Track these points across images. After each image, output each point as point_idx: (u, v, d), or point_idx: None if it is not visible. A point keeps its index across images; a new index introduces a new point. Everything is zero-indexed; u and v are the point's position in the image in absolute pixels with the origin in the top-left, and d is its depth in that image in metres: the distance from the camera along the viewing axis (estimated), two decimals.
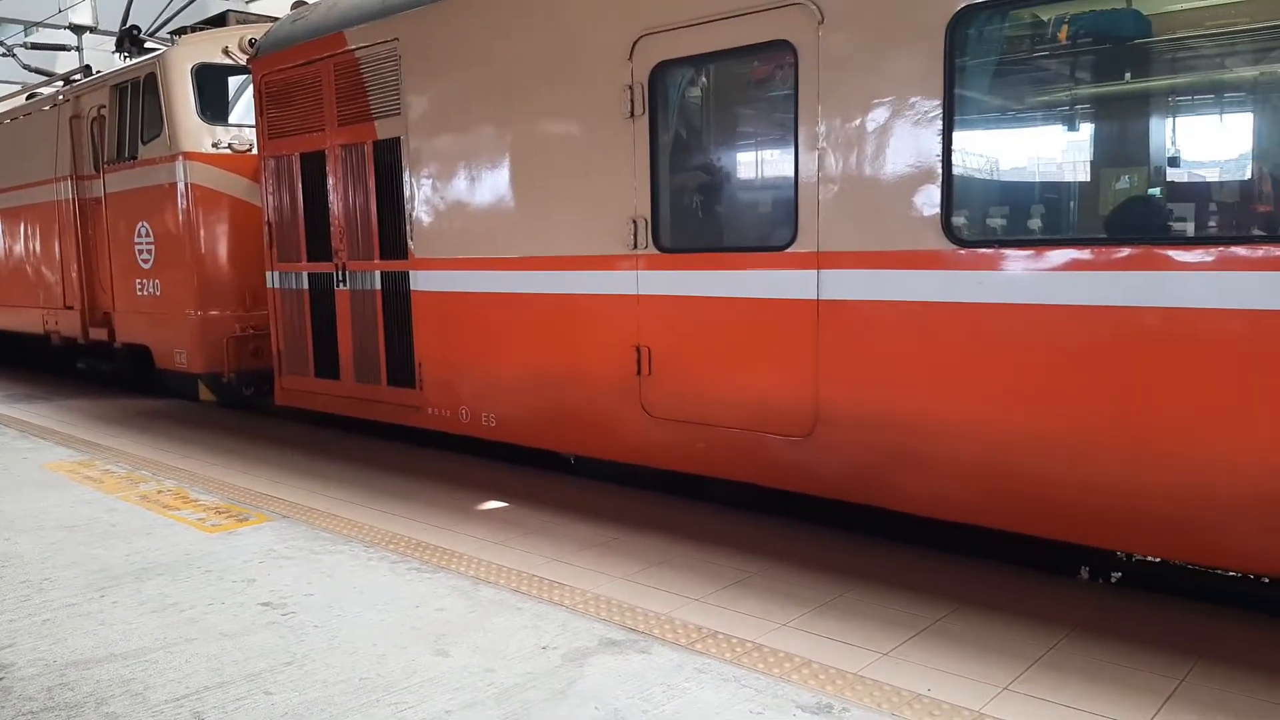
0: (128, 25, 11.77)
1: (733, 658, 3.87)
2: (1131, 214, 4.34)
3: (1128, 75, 4.61)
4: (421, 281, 7.16)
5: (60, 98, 11.77)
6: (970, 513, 4.57)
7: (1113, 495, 4.10)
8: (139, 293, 10.45)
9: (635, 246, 5.72)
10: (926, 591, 4.55)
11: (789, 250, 5.03)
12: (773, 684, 3.62)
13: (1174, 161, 4.42)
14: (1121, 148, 4.64)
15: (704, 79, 5.70)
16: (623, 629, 4.17)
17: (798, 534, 5.45)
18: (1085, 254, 4.09)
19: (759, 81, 5.51)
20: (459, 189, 6.80)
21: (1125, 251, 3.98)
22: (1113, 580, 4.85)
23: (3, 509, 6.33)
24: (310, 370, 8.34)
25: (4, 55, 17.48)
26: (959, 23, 4.37)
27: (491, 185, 6.59)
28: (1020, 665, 3.78)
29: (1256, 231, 3.93)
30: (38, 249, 12.45)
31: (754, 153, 5.65)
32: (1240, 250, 3.72)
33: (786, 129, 5.05)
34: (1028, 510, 4.36)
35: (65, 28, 20.22)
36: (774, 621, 4.26)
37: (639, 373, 5.78)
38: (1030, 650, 3.91)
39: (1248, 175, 4.28)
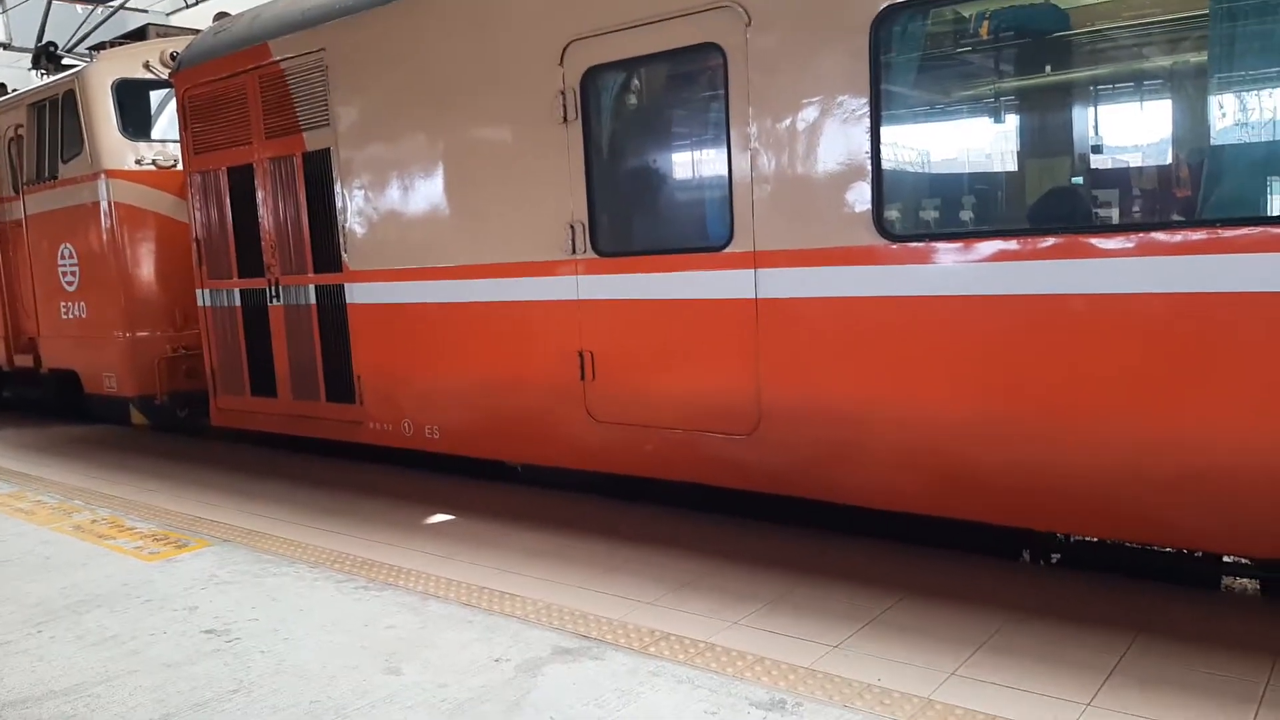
0: (44, 42, 11.43)
1: (686, 659, 3.88)
2: (1056, 203, 4.45)
3: (1048, 68, 4.73)
4: (358, 294, 7.06)
5: None
6: (912, 502, 4.64)
7: (1048, 478, 4.19)
8: (64, 316, 10.15)
9: (574, 251, 5.70)
10: (874, 582, 4.61)
11: (726, 251, 5.06)
12: (727, 683, 3.64)
13: (1097, 150, 4.54)
14: (1045, 139, 4.76)
15: (635, 82, 5.71)
16: (575, 636, 4.16)
17: (746, 532, 5.49)
18: (1013, 244, 4.17)
19: (689, 84, 5.53)
20: (393, 199, 6.72)
21: (1051, 240, 4.07)
22: (1053, 561, 4.97)
23: None
24: (246, 389, 8.18)
25: None
26: (883, 21, 4.43)
27: (426, 194, 6.53)
28: (966, 650, 3.85)
29: (1176, 216, 4.05)
30: None
31: (688, 154, 5.68)
32: (1160, 235, 3.83)
33: (719, 130, 5.08)
34: (967, 497, 4.44)
35: None
36: (725, 620, 4.28)
37: (583, 378, 5.77)
38: (976, 635, 3.98)
39: (1167, 161, 4.41)
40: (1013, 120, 4.90)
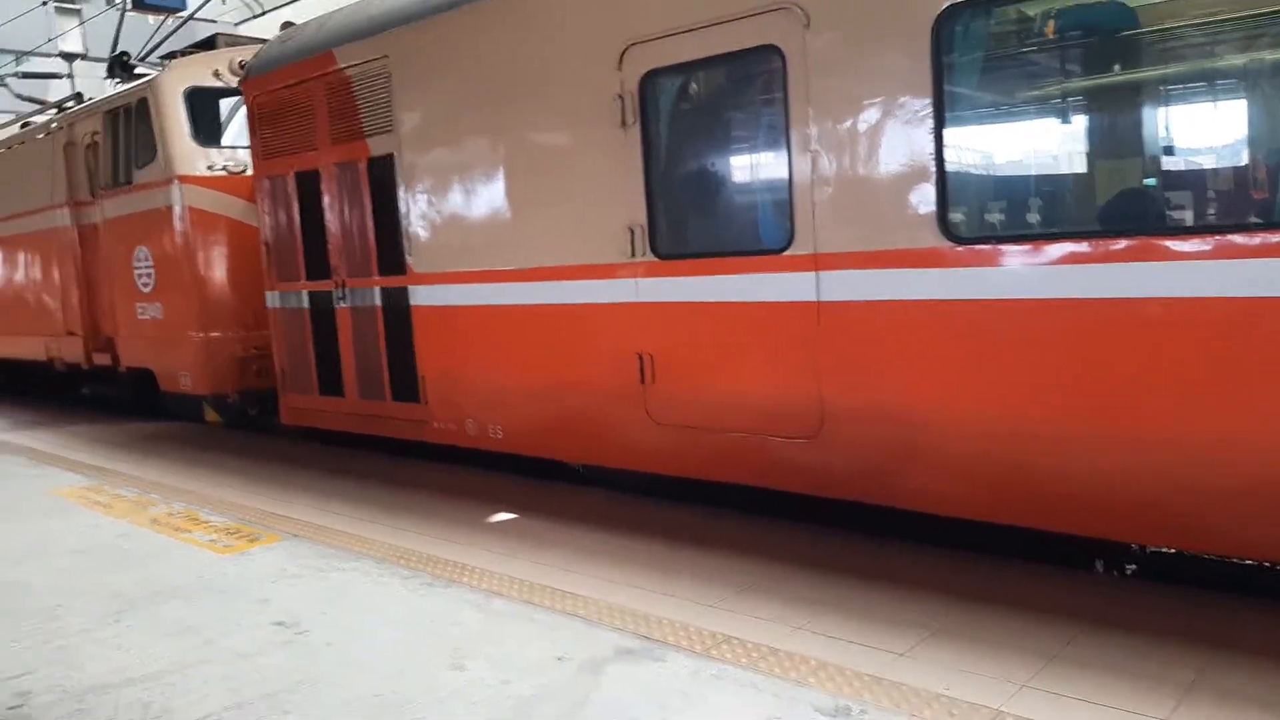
0: (118, 52, 11.81)
1: (749, 662, 3.89)
2: (1128, 205, 4.36)
3: (1117, 67, 4.63)
4: (421, 296, 7.18)
5: (54, 125, 11.81)
6: (979, 509, 4.58)
7: (1120, 487, 4.11)
8: (141, 316, 10.48)
9: (633, 254, 5.74)
10: (941, 590, 4.55)
11: (787, 253, 5.05)
12: (789, 688, 3.64)
13: (1169, 151, 4.43)
14: (1115, 139, 4.66)
15: (694, 85, 5.72)
16: (637, 637, 4.18)
17: (808, 537, 5.46)
18: (1083, 246, 4.11)
19: (748, 86, 5.53)
20: (454, 203, 6.83)
21: (1123, 243, 4.00)
22: (1128, 573, 4.86)
23: (13, 537, 6.35)
24: (314, 388, 8.36)
25: None
26: (945, 21, 4.39)
27: (487, 198, 6.62)
28: (1038, 661, 3.78)
29: (1253, 219, 3.95)
30: (38, 276, 12.48)
31: (747, 157, 5.67)
32: (1237, 238, 3.73)
33: (778, 132, 5.08)
34: (1037, 505, 4.37)
35: (56, 56, 20.28)
36: (788, 625, 4.27)
37: (642, 380, 5.80)
38: (1048, 646, 3.91)
39: (1243, 162, 4.30)
40: (1081, 121, 4.81)
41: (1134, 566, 4.84)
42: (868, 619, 4.28)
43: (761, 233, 5.47)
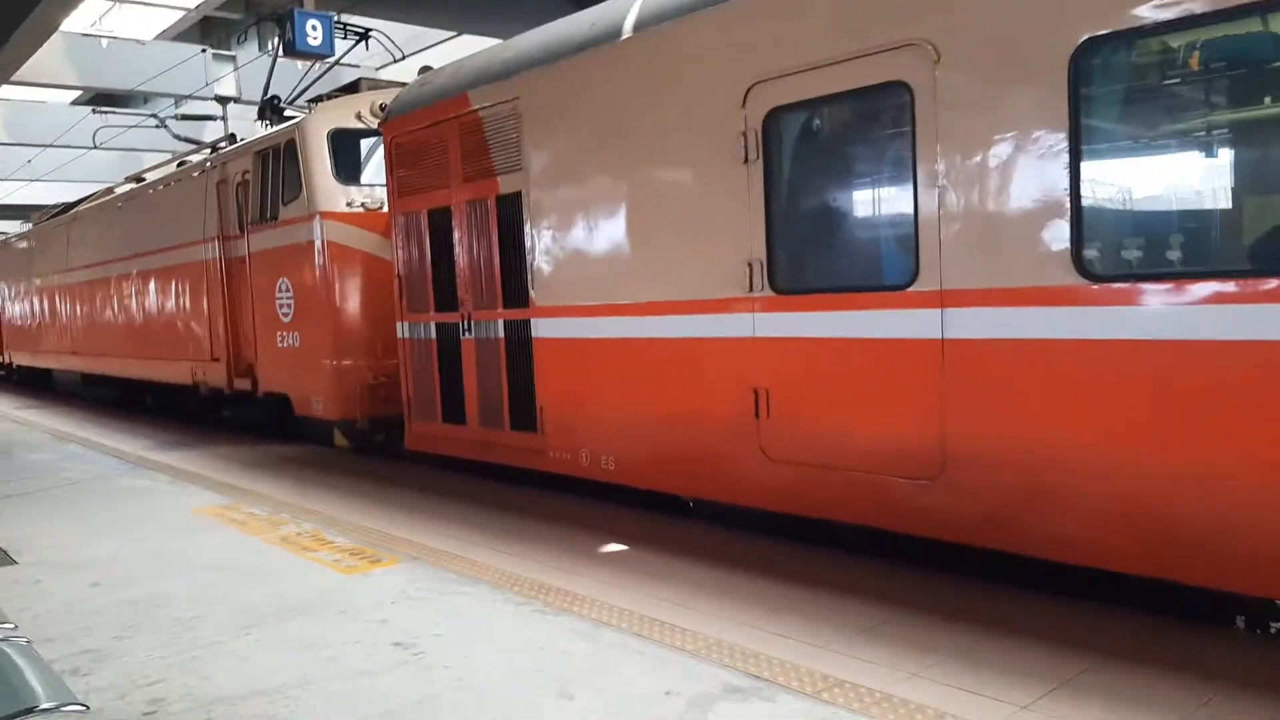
0: (269, 95, 12.55)
1: (860, 708, 3.78)
2: (1276, 243, 4.12)
3: (1267, 100, 4.40)
4: (543, 329, 7.33)
5: (208, 164, 12.60)
6: (1112, 559, 4.36)
7: (1264, 539, 3.84)
8: (279, 344, 11.01)
9: (751, 289, 5.73)
10: (1067, 642, 4.34)
11: (910, 290, 4.96)
12: None
13: None
14: (1264, 175, 4.42)
15: (818, 122, 5.71)
16: (746, 675, 4.12)
17: (928, 582, 5.29)
18: (1229, 286, 3.90)
19: (874, 122, 5.48)
20: (578, 239, 6.97)
21: (1273, 283, 3.77)
22: (1273, 631, 4.54)
23: (156, 551, 6.72)
24: (438, 416, 8.61)
25: (157, 126, 18.82)
26: (1083, 54, 4.27)
27: (609, 234, 6.73)
28: None
29: None
30: (188, 305, 13.27)
31: (870, 192, 5.60)
32: None
33: (904, 168, 5.01)
34: (1174, 556, 4.13)
35: (212, 99, 21.69)
36: (903, 671, 4.14)
37: (757, 415, 5.76)
38: (1182, 704, 3.68)
39: None
40: (1226, 155, 4.58)
41: (1279, 625, 4.51)
42: (987, 667, 4.11)
43: (884, 268, 5.39)
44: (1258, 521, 3.87)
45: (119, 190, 16.39)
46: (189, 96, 21.35)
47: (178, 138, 16.81)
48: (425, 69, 9.46)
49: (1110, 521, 4.31)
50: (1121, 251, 4.50)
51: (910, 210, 4.95)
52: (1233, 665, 4.02)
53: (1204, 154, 4.63)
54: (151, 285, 14.38)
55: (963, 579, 5.28)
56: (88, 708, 4.09)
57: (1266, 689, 3.79)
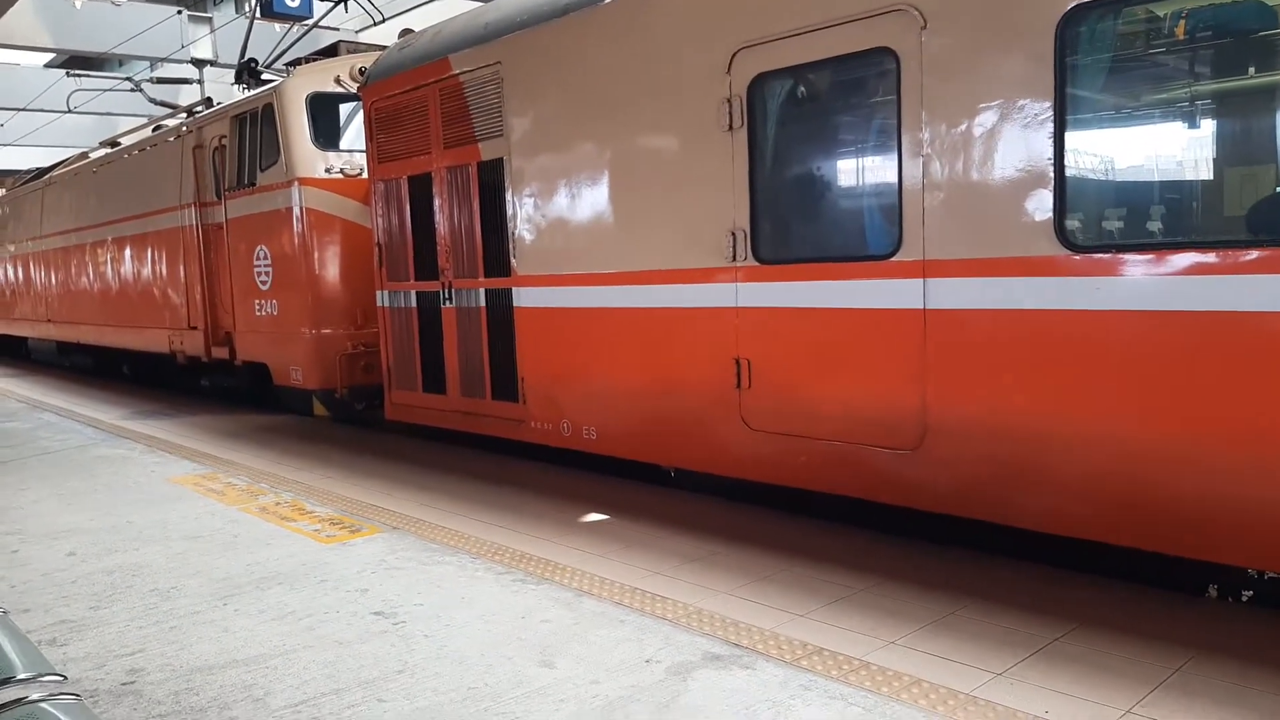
0: (246, 58, 12.35)
1: (839, 675, 3.80)
2: (1261, 215, 4.12)
3: (1252, 70, 4.39)
4: (524, 298, 7.28)
5: (184, 129, 12.41)
6: (1089, 528, 4.39)
7: (1240, 509, 3.88)
8: (258, 313, 10.91)
9: (734, 259, 5.70)
10: (1042, 610, 4.38)
11: (893, 259, 4.94)
12: (881, 702, 3.54)
13: None
14: (1248, 146, 4.42)
15: (803, 89, 5.66)
16: (726, 644, 4.14)
17: (905, 550, 5.33)
18: (1210, 257, 3.90)
19: (859, 89, 5.44)
20: (560, 206, 6.90)
21: (1254, 254, 3.78)
22: (1243, 599, 4.60)
23: (132, 520, 6.67)
24: (418, 386, 8.56)
25: (132, 90, 18.51)
26: (1069, 22, 4.24)
27: (591, 202, 6.67)
28: (1144, 688, 3.60)
29: None
30: (164, 273, 13.12)
31: (855, 161, 5.57)
32: None
33: (889, 136, 4.98)
34: (1150, 526, 4.17)
35: (188, 62, 21.34)
36: (881, 639, 4.16)
37: (739, 385, 5.75)
38: (1154, 672, 3.73)
39: None
40: (1210, 126, 4.58)
41: (1249, 593, 4.57)
42: (964, 636, 4.14)
43: (867, 238, 5.37)
44: (1235, 492, 3.90)
45: (94, 155, 16.13)
46: (164, 59, 21.01)
47: (153, 101, 16.54)
48: (406, 32, 9.32)
49: (1090, 492, 4.34)
50: (1104, 222, 4.49)
51: (894, 179, 4.92)
52: (1205, 633, 4.07)
53: (1187, 125, 4.62)
54: (127, 252, 14.20)
55: (942, 549, 5.31)
56: (65, 678, 4.07)
57: (1237, 655, 3.84)
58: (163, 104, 16.18)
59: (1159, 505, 4.13)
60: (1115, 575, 4.75)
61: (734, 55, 5.59)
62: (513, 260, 7.32)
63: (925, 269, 4.82)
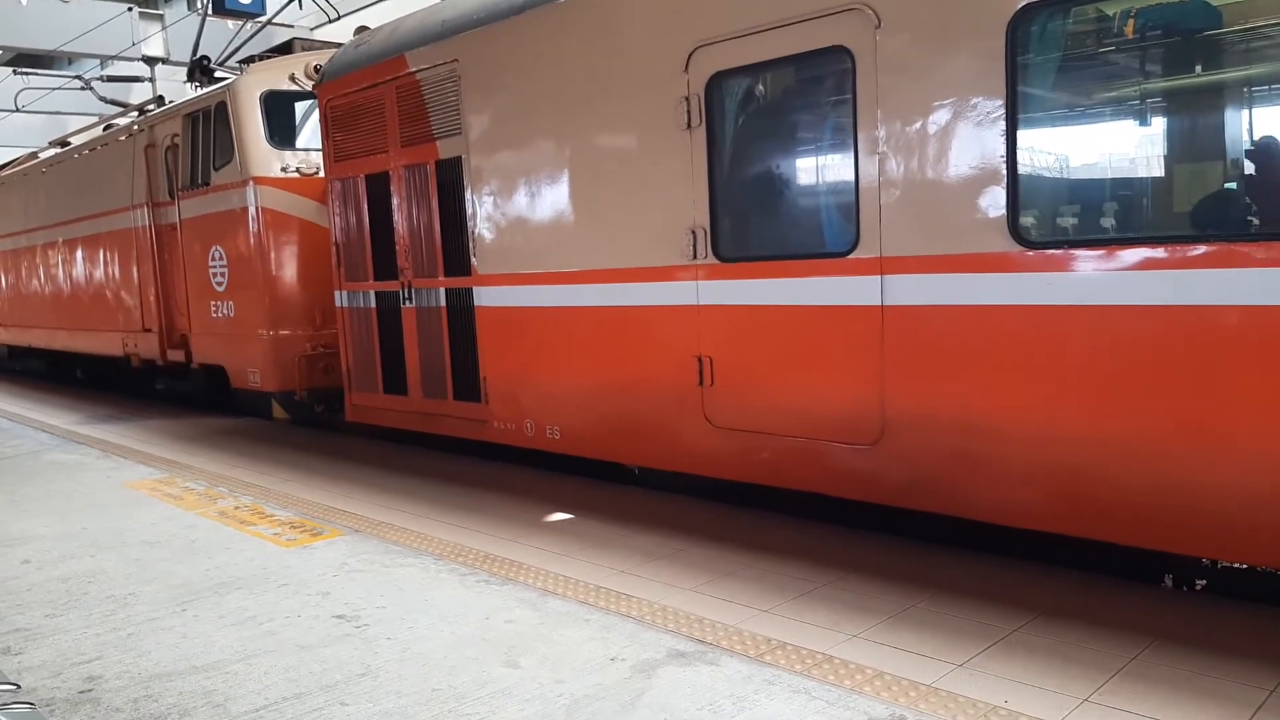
0: (198, 56, 12.15)
1: (802, 669, 3.83)
2: (1207, 210, 4.22)
3: (1199, 68, 4.49)
4: (485, 297, 7.25)
5: (135, 128, 12.19)
6: (1045, 520, 4.47)
7: (1192, 500, 3.97)
8: (214, 314, 10.76)
9: (695, 257, 5.72)
10: (1002, 601, 4.45)
11: (851, 256, 4.99)
12: (844, 695, 3.58)
13: (1252, 155, 4.28)
14: (1195, 143, 4.52)
15: (760, 87, 5.69)
16: (690, 640, 4.16)
17: (866, 544, 5.38)
18: (1159, 252, 3.98)
19: (816, 88, 5.48)
20: (519, 205, 6.88)
21: (1201, 249, 3.87)
22: (1197, 588, 4.70)
23: (87, 527, 6.55)
24: (379, 387, 8.50)
25: (82, 89, 18.15)
26: (1020, 21, 4.30)
27: (551, 200, 6.65)
28: (1101, 676, 3.68)
29: None
30: (117, 274, 12.89)
31: (813, 159, 5.62)
32: None
33: (845, 134, 5.02)
34: (1105, 517, 4.25)
35: (139, 60, 20.96)
36: (844, 633, 4.21)
37: (701, 383, 5.77)
38: (1111, 661, 3.80)
39: None
40: (1159, 123, 4.67)
41: (1204, 582, 4.67)
42: (925, 628, 4.20)
43: (825, 236, 5.41)
44: (1185, 483, 3.99)
45: (43, 155, 15.80)
46: (115, 57, 20.61)
47: (104, 100, 16.22)
48: (362, 29, 9.23)
49: (1045, 484, 4.41)
50: (1056, 219, 4.57)
51: (851, 177, 4.96)
52: (1161, 621, 4.15)
53: (1138, 122, 4.72)
54: (79, 254, 13.93)
55: (903, 542, 5.37)
56: (18, 687, 4.00)
57: (1192, 644, 3.93)
58: (114, 102, 15.86)
59: (1111, 497, 4.21)
60: (1069, 565, 4.83)
61: (691, 53, 5.61)
62: (473, 259, 7.29)
63: (882, 266, 4.87)
